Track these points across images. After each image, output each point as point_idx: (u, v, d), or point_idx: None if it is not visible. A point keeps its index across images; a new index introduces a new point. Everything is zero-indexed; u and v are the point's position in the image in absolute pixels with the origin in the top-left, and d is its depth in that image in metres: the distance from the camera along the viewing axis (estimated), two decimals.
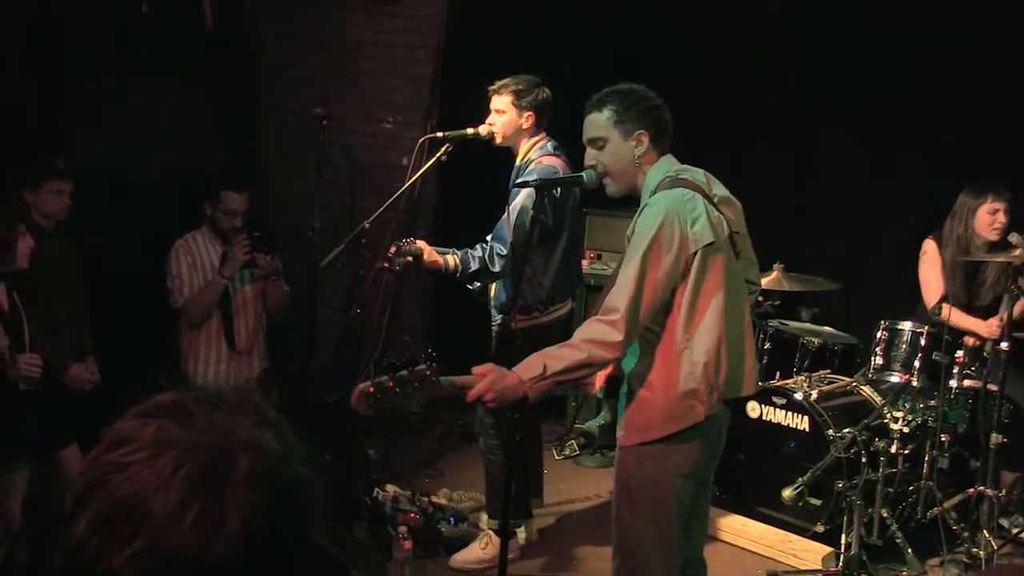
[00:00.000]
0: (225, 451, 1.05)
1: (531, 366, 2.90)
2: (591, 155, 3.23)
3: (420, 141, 4.63)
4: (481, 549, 4.52)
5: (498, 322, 4.50)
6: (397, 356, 2.77)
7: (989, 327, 4.95)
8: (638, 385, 3.09)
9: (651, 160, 3.16)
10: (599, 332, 2.91)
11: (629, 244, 3.07)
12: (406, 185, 4.63)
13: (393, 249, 4.34)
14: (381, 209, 4.66)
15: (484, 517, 4.71)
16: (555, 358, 2.91)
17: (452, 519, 4.73)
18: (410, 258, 4.31)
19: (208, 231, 5.01)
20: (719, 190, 3.16)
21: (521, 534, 4.68)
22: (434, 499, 4.94)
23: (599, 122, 3.18)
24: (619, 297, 2.92)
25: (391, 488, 4.95)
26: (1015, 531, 4.75)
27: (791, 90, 6.04)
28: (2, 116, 4.65)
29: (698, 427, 3.01)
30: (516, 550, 4.60)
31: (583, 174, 3.29)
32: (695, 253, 2.96)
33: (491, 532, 4.57)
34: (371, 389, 2.76)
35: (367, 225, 4.61)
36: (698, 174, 3.15)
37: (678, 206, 3.00)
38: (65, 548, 1.02)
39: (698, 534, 3.34)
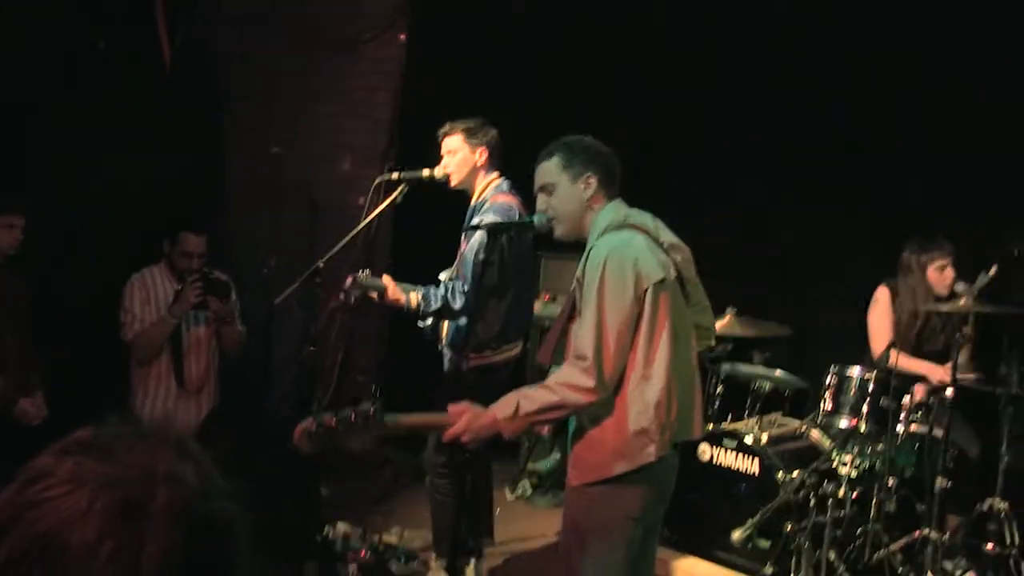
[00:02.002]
0: (144, 484, 1.01)
1: (506, 405, 2.93)
2: (542, 201, 3.28)
3: (376, 182, 4.63)
4: None
5: (449, 359, 4.47)
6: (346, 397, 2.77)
7: (940, 372, 4.99)
8: (589, 423, 3.07)
9: (599, 203, 3.20)
10: (572, 377, 2.93)
11: (581, 289, 3.08)
12: (361, 225, 4.61)
13: (350, 280, 4.34)
14: (336, 248, 4.62)
15: (433, 558, 4.64)
16: (529, 399, 2.95)
17: (403, 557, 4.69)
18: (373, 293, 4.32)
19: (165, 267, 4.93)
20: (666, 235, 3.19)
21: (470, 573, 4.60)
22: (385, 538, 4.88)
23: (549, 168, 3.25)
24: (584, 345, 2.94)
25: (342, 526, 4.87)
26: (958, 574, 4.72)
27: (743, 132, 6.05)
28: None
29: (649, 468, 2.99)
30: None
31: (534, 217, 3.34)
32: (647, 290, 2.98)
33: (441, 572, 4.50)
34: (313, 427, 2.77)
35: (322, 264, 4.53)
36: (646, 218, 3.19)
37: (623, 248, 3.04)
38: None
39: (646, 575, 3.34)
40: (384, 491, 5.84)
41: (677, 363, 3.03)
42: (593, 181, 3.18)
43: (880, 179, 5.67)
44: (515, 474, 6.14)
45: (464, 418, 2.91)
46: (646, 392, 2.97)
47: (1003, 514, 4.72)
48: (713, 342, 3.55)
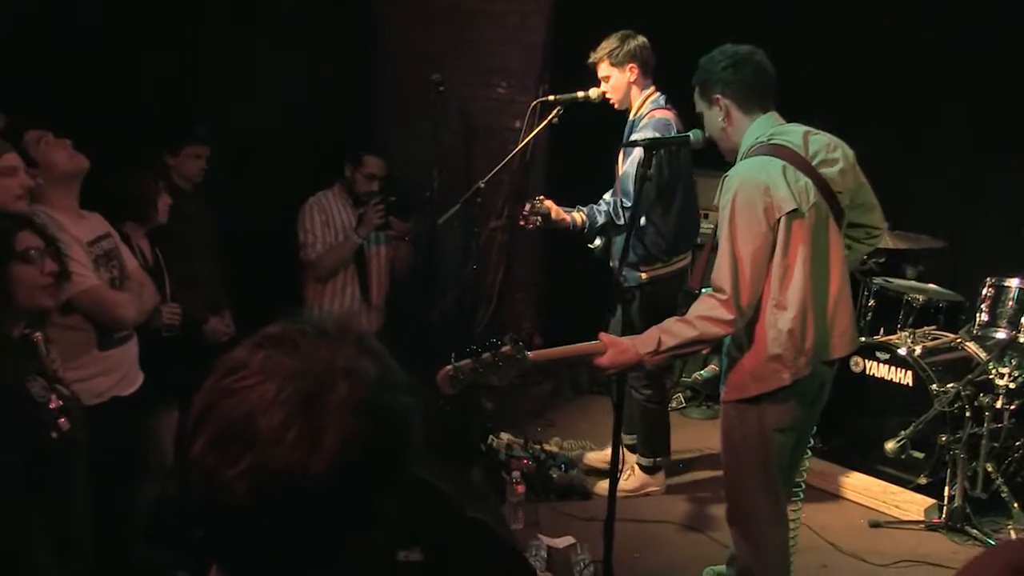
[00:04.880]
0: (325, 378, 1.09)
1: (648, 340, 2.95)
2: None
3: (532, 105, 4.69)
4: (624, 480, 4.62)
5: (622, 275, 4.51)
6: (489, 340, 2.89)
7: None
8: (733, 346, 3.15)
9: (741, 123, 3.11)
10: (712, 310, 2.93)
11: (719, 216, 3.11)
12: (519, 147, 4.69)
13: (528, 207, 4.48)
14: (495, 170, 4.73)
15: (631, 457, 4.77)
16: (670, 333, 2.97)
17: (563, 465, 4.82)
18: (538, 217, 4.44)
19: (340, 191, 5.09)
20: (820, 148, 3.05)
21: (662, 477, 4.81)
22: (546, 447, 5.03)
23: (696, 95, 3.23)
24: (721, 277, 2.94)
25: (505, 436, 5.05)
26: None
27: (899, 47, 5.85)
28: (147, 86, 4.89)
29: (788, 389, 3.03)
30: (662, 484, 4.79)
31: (691, 133, 3.33)
32: (779, 220, 2.92)
33: (636, 465, 4.75)
34: (452, 372, 2.85)
35: (482, 185, 4.67)
36: (795, 135, 3.05)
37: (754, 176, 2.95)
38: (185, 465, 1.08)
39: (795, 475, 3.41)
40: (544, 404, 5.96)
41: (816, 289, 3.01)
42: (725, 103, 3.09)
43: None
44: (669, 386, 6.18)
45: (609, 352, 2.93)
46: (780, 320, 2.98)
47: None
48: (880, 242, 3.49)
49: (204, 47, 5.22)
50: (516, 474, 4.47)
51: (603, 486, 4.54)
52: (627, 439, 4.80)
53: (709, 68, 3.13)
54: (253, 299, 4.72)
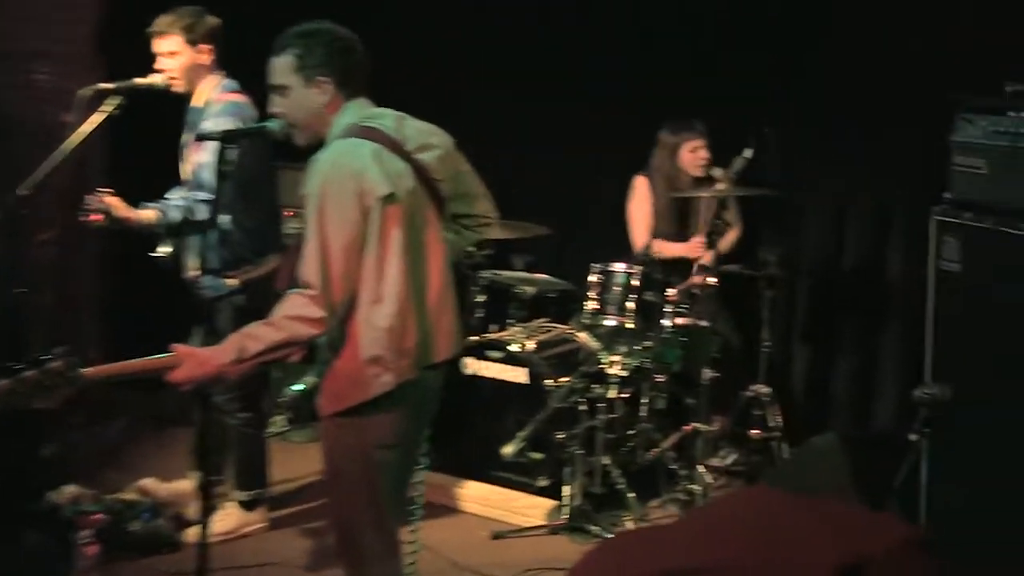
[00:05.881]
0: None
1: (229, 349, 2.76)
2: (276, 103, 3.01)
3: (85, 94, 4.13)
4: (217, 521, 4.24)
5: (201, 284, 4.19)
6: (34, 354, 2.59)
7: (693, 247, 5.10)
8: (329, 351, 2.95)
9: (338, 107, 2.97)
10: (300, 308, 2.77)
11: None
12: (69, 144, 4.08)
13: (89, 203, 3.95)
14: (41, 172, 4.06)
15: (230, 494, 4.44)
16: (254, 338, 2.76)
17: (145, 515, 4.32)
18: (99, 215, 3.95)
19: None
20: (415, 134, 2.99)
21: (263, 512, 4.48)
22: (123, 496, 4.51)
23: (281, 67, 2.96)
24: (309, 271, 2.79)
25: (70, 488, 4.44)
26: (724, 461, 4.93)
27: (495, 32, 5.93)
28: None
29: (392, 395, 2.90)
30: (265, 520, 4.46)
31: (269, 123, 3.06)
32: (372, 206, 2.81)
33: (234, 504, 4.39)
34: None
35: (26, 191, 4.02)
36: (387, 119, 2.98)
37: (345, 159, 2.85)
38: None
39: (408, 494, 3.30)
40: (119, 444, 5.39)
41: (415, 282, 2.92)
42: (328, 85, 2.94)
43: (636, 68, 5.65)
44: (268, 408, 5.60)
45: (186, 365, 2.71)
46: (377, 316, 2.86)
47: (766, 399, 4.96)
48: (490, 233, 3.45)
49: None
50: (86, 533, 3.99)
51: (195, 532, 4.12)
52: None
53: (325, 40, 2.95)
54: None
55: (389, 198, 2.83)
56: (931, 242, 3.84)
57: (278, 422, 5.55)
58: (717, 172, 4.92)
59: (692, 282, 4.91)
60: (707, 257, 4.88)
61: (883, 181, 5.18)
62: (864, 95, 5.10)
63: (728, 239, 5.19)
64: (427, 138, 3.02)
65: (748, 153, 4.71)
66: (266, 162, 4.26)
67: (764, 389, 4.94)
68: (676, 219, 5.27)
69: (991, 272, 3.65)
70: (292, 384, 5.30)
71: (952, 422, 3.57)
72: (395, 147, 2.91)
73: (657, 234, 5.20)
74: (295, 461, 5.12)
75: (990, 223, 3.62)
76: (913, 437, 3.45)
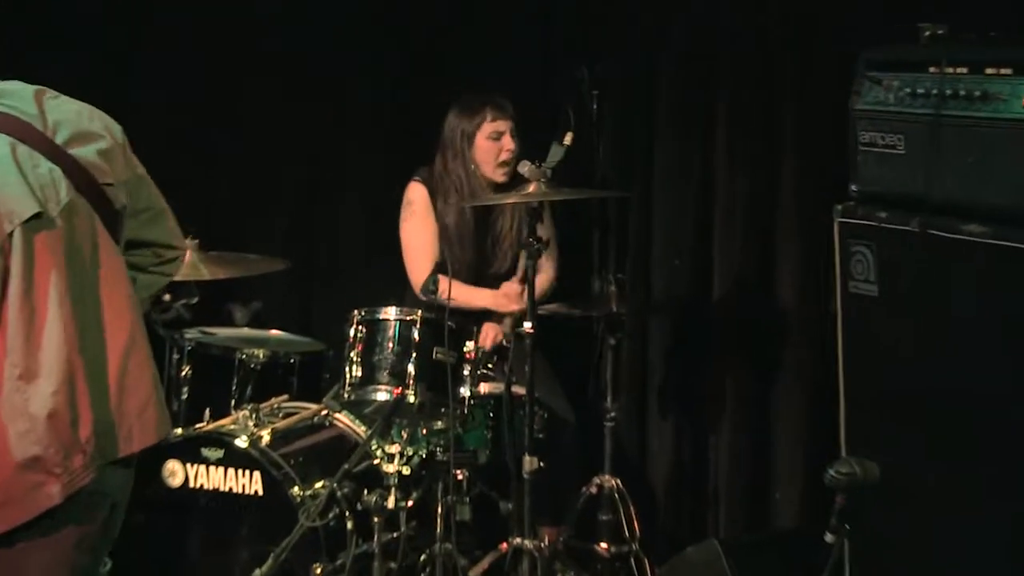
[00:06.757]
0: None
1: None
2: None
3: None
4: None
5: None
6: None
7: (502, 296, 4.88)
8: None
9: None
10: None
11: None
12: None
13: None
14: None
15: None
16: None
17: None
18: None
19: None
20: (63, 117, 2.86)
21: None
22: None
23: None
24: None
25: None
26: None
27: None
28: None
29: (59, 513, 2.72)
30: None
31: None
32: (11, 234, 2.65)
33: None
34: None
35: None
36: (22, 99, 2.82)
37: None
38: None
39: None
40: None
41: (87, 343, 2.74)
42: None
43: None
44: None
45: None
46: (32, 399, 2.70)
47: (615, 493, 4.62)
48: (179, 268, 3.38)
49: None
50: None
51: None
52: None
53: None
54: None
55: (36, 221, 2.66)
56: (836, 255, 3.50)
57: None
58: (525, 167, 4.43)
59: (498, 333, 4.63)
60: (514, 306, 4.68)
61: (763, 171, 4.86)
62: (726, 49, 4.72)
63: (542, 276, 4.86)
64: (85, 123, 2.84)
65: (567, 139, 4.30)
66: None
67: (612, 482, 4.67)
68: (472, 240, 4.90)
69: (920, 295, 3.33)
70: None
71: (881, 512, 3.33)
72: (38, 140, 2.74)
73: (445, 262, 4.81)
74: None
75: (914, 224, 3.27)
76: (829, 537, 3.28)
